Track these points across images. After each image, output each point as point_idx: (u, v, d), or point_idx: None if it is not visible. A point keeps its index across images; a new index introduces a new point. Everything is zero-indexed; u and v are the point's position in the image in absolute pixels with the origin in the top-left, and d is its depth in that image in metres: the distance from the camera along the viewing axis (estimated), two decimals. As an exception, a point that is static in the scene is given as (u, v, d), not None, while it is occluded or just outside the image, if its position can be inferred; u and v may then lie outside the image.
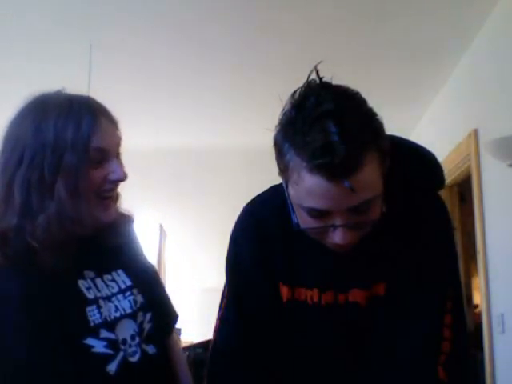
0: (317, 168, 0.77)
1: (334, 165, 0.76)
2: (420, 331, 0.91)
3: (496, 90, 2.59)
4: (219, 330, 1.02)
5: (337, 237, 0.83)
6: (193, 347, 1.71)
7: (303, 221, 0.86)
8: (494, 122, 2.60)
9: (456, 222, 3.61)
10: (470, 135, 2.87)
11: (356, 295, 0.93)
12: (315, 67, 0.86)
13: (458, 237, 3.59)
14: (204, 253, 5.14)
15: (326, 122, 0.78)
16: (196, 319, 5.52)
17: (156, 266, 5.72)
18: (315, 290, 0.95)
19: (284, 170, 0.85)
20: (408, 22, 2.68)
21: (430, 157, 1.00)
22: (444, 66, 3.16)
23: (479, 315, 2.99)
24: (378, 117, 0.86)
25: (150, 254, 5.82)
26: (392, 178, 0.89)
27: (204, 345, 1.67)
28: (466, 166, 3.05)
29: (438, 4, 2.52)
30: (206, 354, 1.05)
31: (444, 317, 0.91)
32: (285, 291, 0.97)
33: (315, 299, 0.95)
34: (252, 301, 0.99)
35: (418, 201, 0.96)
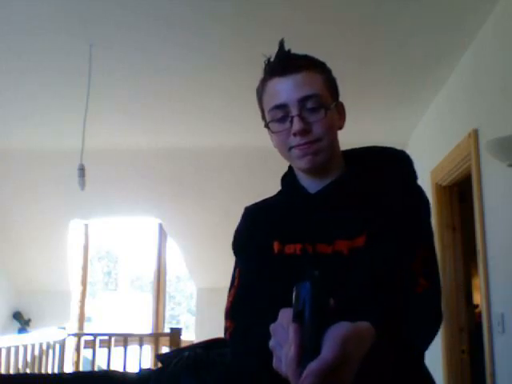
0: (273, 71, 1.07)
1: (284, 65, 1.06)
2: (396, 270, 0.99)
3: (496, 89, 2.59)
4: (235, 291, 1.14)
5: (294, 126, 1.03)
6: (193, 347, 1.70)
7: (274, 129, 1.08)
8: (494, 122, 2.60)
9: (456, 222, 3.61)
10: (469, 135, 2.87)
11: (340, 245, 1.03)
12: (281, 41, 1.11)
13: (458, 237, 3.59)
14: (204, 253, 5.14)
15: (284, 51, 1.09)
16: (196, 319, 5.52)
17: (156, 266, 5.76)
18: (298, 244, 1.07)
19: (260, 100, 1.13)
20: (408, 22, 2.68)
21: (401, 151, 1.16)
22: (444, 66, 3.16)
23: (479, 315, 2.99)
24: (330, 69, 1.12)
25: (149, 254, 5.83)
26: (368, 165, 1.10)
27: (204, 345, 1.67)
28: (466, 166, 3.05)
29: (438, 4, 2.52)
30: (206, 353, 1.05)
31: (418, 265, 0.99)
32: (276, 247, 1.09)
33: (298, 252, 1.06)
34: (255, 261, 1.11)
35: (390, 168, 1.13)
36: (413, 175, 1.13)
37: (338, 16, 2.63)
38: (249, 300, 1.10)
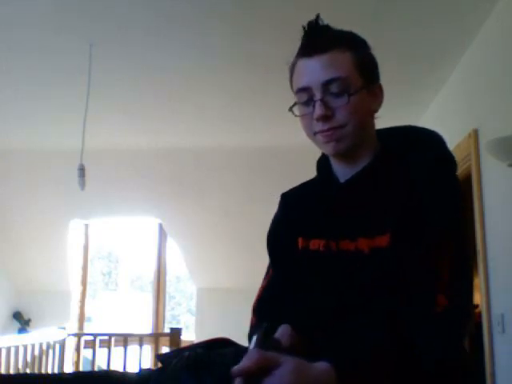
0: (301, 50, 1.04)
1: (311, 45, 1.03)
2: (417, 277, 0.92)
3: (496, 89, 2.59)
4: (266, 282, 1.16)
5: (316, 111, 0.99)
6: (193, 347, 1.70)
7: (299, 113, 1.04)
8: (494, 122, 2.60)
9: (456, 222, 3.60)
10: (469, 135, 2.87)
11: (362, 243, 0.99)
12: (317, 15, 1.11)
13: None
14: (204, 253, 5.14)
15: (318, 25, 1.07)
16: (196, 319, 5.52)
17: (156, 266, 5.75)
18: (322, 240, 1.05)
19: (290, 79, 1.06)
20: (408, 21, 2.68)
21: (434, 134, 1.08)
22: (444, 66, 3.16)
23: (479, 315, 2.98)
24: (369, 47, 1.14)
25: (149, 254, 5.83)
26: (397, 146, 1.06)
27: (204, 345, 1.67)
28: (466, 166, 3.04)
29: (438, 4, 2.52)
30: (207, 353, 1.05)
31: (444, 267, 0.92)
32: (301, 242, 1.09)
33: (321, 248, 1.05)
34: (282, 255, 1.13)
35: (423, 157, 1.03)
36: (444, 163, 1.02)
37: (338, 16, 2.63)
38: (273, 297, 1.11)
